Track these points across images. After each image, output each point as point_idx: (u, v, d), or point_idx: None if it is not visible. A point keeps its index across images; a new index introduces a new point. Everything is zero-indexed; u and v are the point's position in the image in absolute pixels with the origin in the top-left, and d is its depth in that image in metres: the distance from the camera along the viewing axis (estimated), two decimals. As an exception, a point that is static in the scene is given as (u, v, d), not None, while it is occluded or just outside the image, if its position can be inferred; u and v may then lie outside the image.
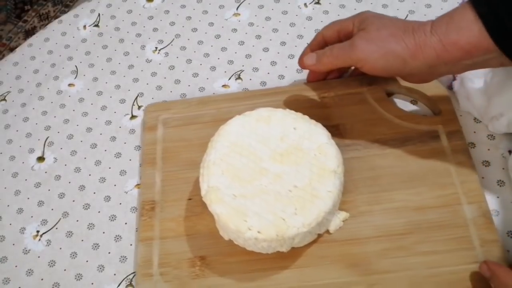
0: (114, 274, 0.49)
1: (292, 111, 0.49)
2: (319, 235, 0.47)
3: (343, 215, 0.47)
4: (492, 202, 0.48)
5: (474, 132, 0.53)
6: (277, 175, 0.44)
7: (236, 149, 0.46)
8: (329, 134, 0.47)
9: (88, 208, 0.53)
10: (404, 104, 0.55)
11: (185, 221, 0.50)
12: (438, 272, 0.44)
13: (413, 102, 0.55)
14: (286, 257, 0.46)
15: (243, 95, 0.57)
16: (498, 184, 0.49)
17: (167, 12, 0.68)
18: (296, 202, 0.43)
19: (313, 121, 0.48)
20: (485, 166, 0.51)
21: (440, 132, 0.51)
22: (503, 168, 0.50)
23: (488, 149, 0.51)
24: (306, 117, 0.48)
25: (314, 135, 0.47)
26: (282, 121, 0.47)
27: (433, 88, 0.54)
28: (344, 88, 0.55)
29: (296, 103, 0.54)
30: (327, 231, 0.47)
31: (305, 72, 0.58)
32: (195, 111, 0.56)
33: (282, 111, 0.49)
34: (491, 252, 0.45)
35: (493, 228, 0.46)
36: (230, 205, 0.43)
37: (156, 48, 0.65)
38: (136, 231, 0.51)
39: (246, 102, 0.55)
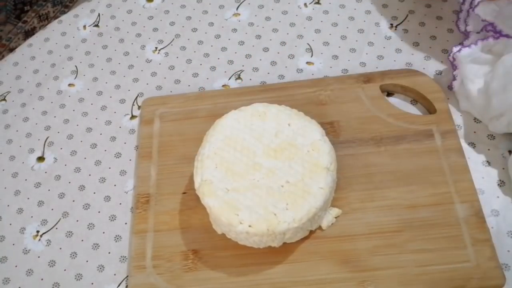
0: (114, 274, 0.49)
1: (287, 107, 0.49)
2: (312, 232, 0.47)
3: (335, 211, 0.48)
4: (492, 202, 0.49)
5: (474, 132, 0.53)
6: (270, 170, 0.45)
7: (230, 143, 0.46)
8: (323, 131, 0.48)
9: (88, 208, 0.53)
10: (401, 104, 0.55)
11: (179, 215, 0.50)
12: (429, 270, 0.45)
13: (413, 102, 0.55)
14: (278, 252, 0.46)
15: (240, 91, 0.58)
16: (498, 184, 0.50)
17: (167, 12, 0.68)
18: (287, 197, 0.43)
19: (307, 118, 0.48)
20: (485, 166, 0.51)
21: (434, 131, 0.51)
22: (503, 168, 0.50)
23: (488, 149, 0.52)
24: (301, 113, 0.49)
25: (308, 132, 0.47)
26: (277, 117, 0.48)
27: (429, 87, 0.54)
28: (340, 85, 0.56)
29: (292, 100, 0.54)
30: (320, 227, 0.47)
31: (306, 72, 0.59)
32: (192, 105, 0.57)
33: (277, 107, 0.49)
34: (482, 251, 0.45)
35: (485, 228, 0.46)
36: (222, 198, 0.44)
37: (156, 48, 0.65)
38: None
39: (243, 98, 0.55)
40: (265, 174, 0.45)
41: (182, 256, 0.48)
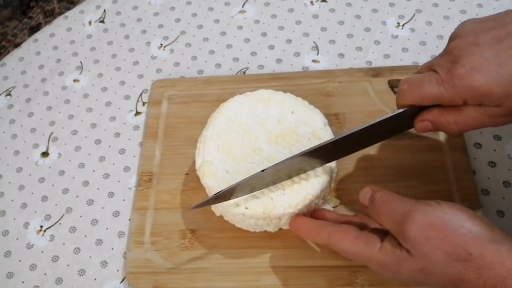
0: (117, 270, 0.49)
1: (292, 95, 0.49)
2: (309, 219, 0.47)
3: (333, 201, 0.48)
4: (497, 203, 0.48)
5: (480, 132, 0.52)
6: (270, 155, 0.45)
7: (233, 127, 0.47)
8: (325, 120, 0.48)
9: (92, 204, 0.53)
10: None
11: (180, 195, 0.51)
12: (423, 265, 0.45)
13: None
14: (274, 238, 0.47)
15: (248, 78, 0.58)
16: (504, 185, 0.49)
17: (172, 8, 0.68)
18: (285, 183, 0.44)
19: (311, 107, 0.49)
20: (491, 167, 0.50)
21: (439, 129, 0.51)
22: (509, 169, 0.50)
23: (494, 150, 0.51)
24: (306, 102, 0.49)
25: (310, 120, 0.47)
26: (281, 104, 0.48)
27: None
28: (348, 78, 0.56)
29: (299, 89, 0.54)
30: (317, 216, 0.48)
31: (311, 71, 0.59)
32: (200, 90, 0.57)
33: (282, 94, 0.49)
34: (478, 250, 0.45)
35: (482, 227, 0.46)
36: (221, 179, 0.44)
37: (161, 44, 0.65)
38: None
39: (251, 85, 0.56)
40: (265, 159, 0.45)
41: (180, 235, 0.49)
